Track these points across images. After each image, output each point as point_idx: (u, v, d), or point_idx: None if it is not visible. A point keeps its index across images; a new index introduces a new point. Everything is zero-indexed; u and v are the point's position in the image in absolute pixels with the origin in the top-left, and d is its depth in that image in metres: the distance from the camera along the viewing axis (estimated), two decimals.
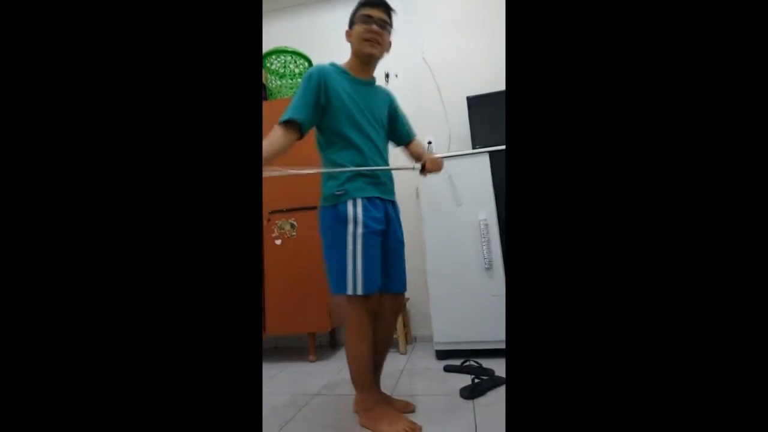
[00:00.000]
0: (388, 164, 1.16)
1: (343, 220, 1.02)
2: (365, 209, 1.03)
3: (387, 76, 2.11)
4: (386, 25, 1.09)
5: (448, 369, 1.51)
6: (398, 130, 1.24)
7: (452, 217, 1.69)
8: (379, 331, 1.11)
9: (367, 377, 1.08)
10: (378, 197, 1.08)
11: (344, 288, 1.01)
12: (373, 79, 1.18)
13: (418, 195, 1.91)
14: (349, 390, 1.44)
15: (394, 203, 1.16)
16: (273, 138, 1.01)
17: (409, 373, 1.54)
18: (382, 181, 1.11)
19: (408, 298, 1.99)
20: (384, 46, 1.11)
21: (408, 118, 1.29)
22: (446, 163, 1.71)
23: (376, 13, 1.07)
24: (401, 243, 1.14)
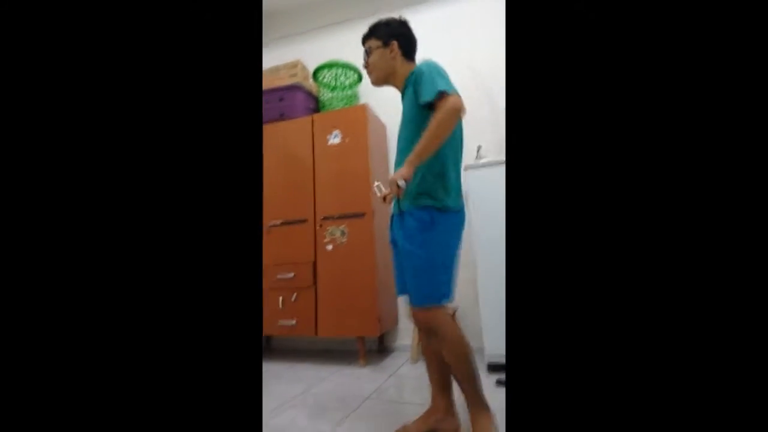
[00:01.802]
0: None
1: None
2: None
3: None
4: (368, 51, 1.17)
5: (501, 383, 1.46)
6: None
7: (503, 224, 1.63)
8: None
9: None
10: (396, 212, 1.14)
11: None
12: (404, 86, 1.16)
13: (466, 199, 1.90)
14: (399, 397, 1.45)
15: (405, 213, 1.08)
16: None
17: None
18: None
19: (457, 307, 1.96)
20: (372, 68, 1.17)
21: (429, 76, 1.00)
22: (489, 171, 1.62)
23: (365, 48, 1.19)
24: (404, 253, 1.06)
